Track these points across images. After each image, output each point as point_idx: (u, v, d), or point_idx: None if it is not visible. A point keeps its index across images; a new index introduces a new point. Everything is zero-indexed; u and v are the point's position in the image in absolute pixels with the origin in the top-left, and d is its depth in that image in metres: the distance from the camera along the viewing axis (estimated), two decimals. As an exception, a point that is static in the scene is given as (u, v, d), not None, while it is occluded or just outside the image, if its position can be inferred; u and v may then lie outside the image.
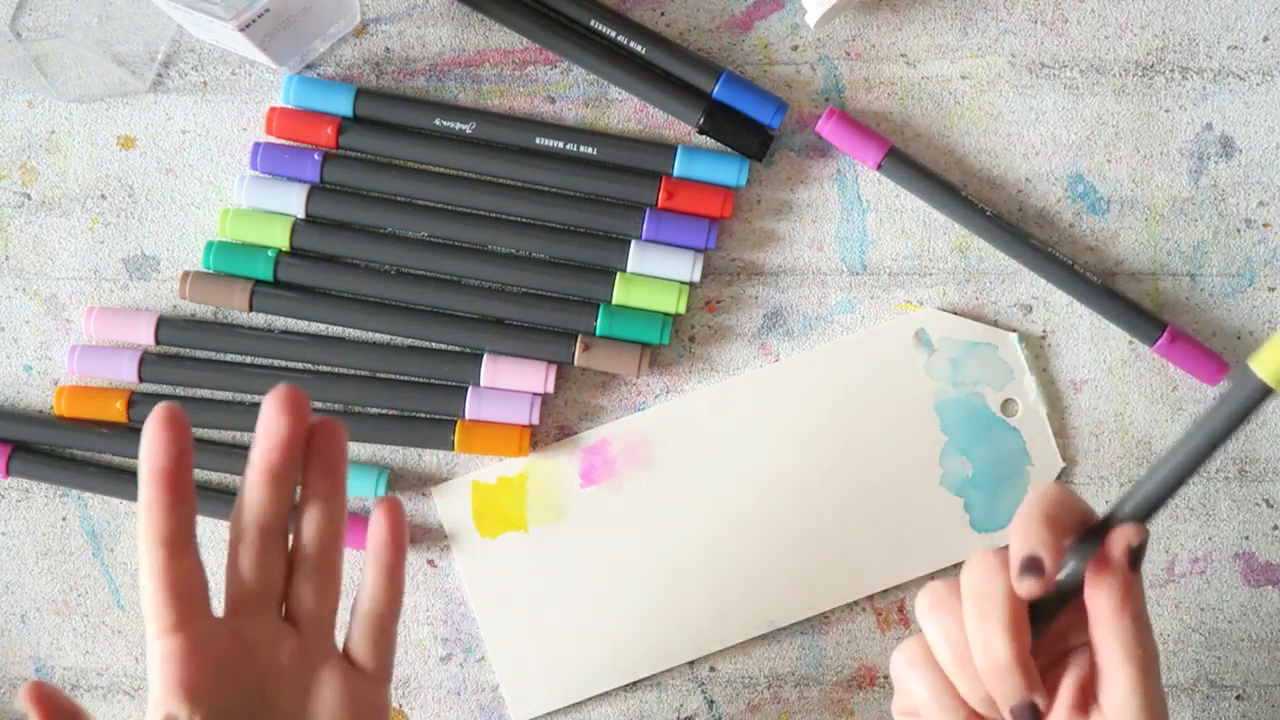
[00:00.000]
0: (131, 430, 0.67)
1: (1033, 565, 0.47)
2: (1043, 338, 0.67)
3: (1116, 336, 0.67)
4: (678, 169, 0.66)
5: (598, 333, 0.66)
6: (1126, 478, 0.67)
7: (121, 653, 0.68)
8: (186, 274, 0.66)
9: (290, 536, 0.53)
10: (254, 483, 0.51)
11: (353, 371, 0.67)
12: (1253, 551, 0.67)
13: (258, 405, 0.66)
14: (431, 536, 0.67)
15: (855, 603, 0.67)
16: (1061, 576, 0.49)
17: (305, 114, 0.66)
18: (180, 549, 0.50)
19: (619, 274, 0.66)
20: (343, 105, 0.66)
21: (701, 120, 0.65)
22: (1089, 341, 0.67)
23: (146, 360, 0.66)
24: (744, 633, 0.67)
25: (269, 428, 0.51)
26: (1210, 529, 0.67)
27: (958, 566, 0.67)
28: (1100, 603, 0.49)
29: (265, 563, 0.52)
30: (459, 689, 0.67)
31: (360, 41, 0.67)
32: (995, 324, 0.67)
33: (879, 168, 0.66)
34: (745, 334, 0.67)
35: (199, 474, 0.67)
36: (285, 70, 0.66)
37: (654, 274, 0.66)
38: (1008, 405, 0.67)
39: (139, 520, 0.50)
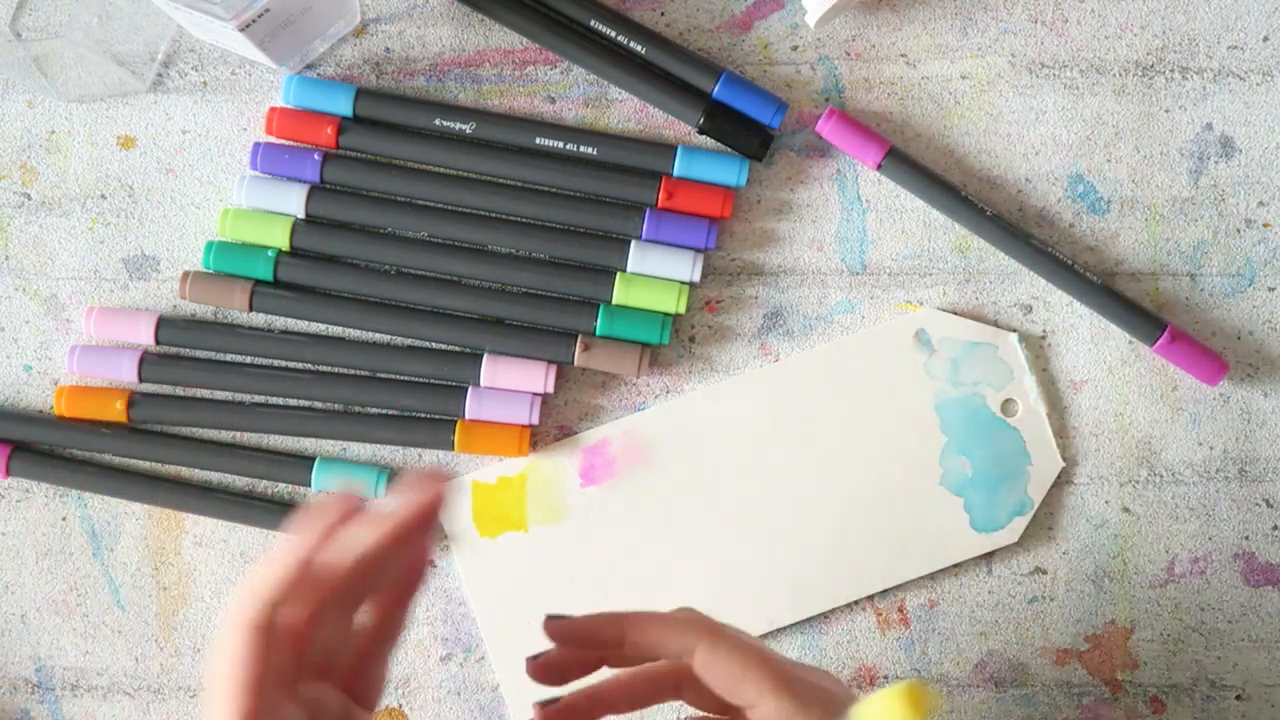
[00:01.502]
0: (131, 430, 0.67)
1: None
2: (1043, 338, 0.67)
3: (1116, 336, 0.67)
4: (678, 169, 0.66)
5: (598, 333, 0.66)
6: (1126, 478, 0.67)
7: (121, 653, 0.68)
8: (186, 274, 0.66)
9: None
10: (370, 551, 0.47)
11: (353, 371, 0.67)
12: (1253, 551, 0.67)
13: (258, 405, 0.66)
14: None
15: (855, 603, 0.67)
16: None
17: (305, 114, 0.66)
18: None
19: (619, 274, 0.66)
20: (343, 105, 0.66)
21: (701, 120, 0.65)
22: (1089, 341, 0.67)
23: (146, 360, 0.66)
24: (744, 633, 0.67)
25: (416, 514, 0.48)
26: (1210, 529, 0.67)
27: (957, 566, 0.67)
28: None
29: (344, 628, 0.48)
30: (459, 689, 0.67)
31: (360, 41, 0.67)
32: (995, 324, 0.67)
33: (879, 168, 0.66)
34: (745, 334, 0.67)
35: (200, 474, 0.67)
36: (285, 70, 0.66)
37: (654, 274, 0.66)
38: (1008, 405, 0.67)
39: (250, 589, 0.44)
